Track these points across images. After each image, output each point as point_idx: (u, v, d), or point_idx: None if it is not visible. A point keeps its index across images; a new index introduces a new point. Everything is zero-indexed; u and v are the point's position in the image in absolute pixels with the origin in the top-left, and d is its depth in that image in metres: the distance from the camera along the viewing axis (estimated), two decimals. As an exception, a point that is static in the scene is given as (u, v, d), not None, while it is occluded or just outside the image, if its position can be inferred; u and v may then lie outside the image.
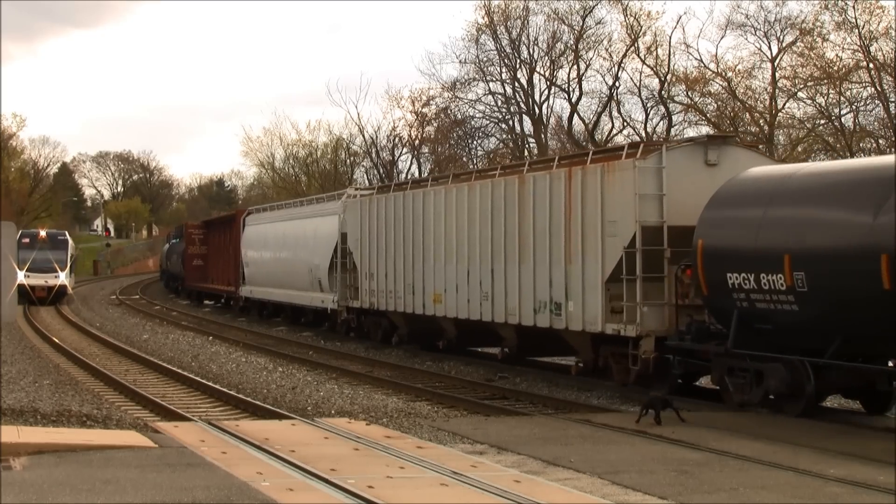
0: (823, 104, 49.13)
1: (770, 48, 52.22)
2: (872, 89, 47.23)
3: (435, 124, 65.83)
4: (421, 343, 30.02)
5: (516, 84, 62.07)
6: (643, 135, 55.87)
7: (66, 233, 62.49)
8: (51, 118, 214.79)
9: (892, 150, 42.79)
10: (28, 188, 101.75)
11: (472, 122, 63.68)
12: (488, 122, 63.65)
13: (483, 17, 61.14)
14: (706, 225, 18.36)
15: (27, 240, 54.61)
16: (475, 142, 64.42)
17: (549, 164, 24.16)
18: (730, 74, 52.97)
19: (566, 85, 60.23)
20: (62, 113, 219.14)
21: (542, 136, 61.89)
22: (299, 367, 27.36)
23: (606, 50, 58.38)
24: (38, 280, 53.72)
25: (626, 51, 56.99)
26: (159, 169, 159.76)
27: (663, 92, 55.52)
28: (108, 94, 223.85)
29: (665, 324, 19.78)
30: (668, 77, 55.28)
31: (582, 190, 21.33)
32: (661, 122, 56.88)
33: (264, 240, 44.79)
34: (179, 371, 25.60)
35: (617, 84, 58.07)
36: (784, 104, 51.29)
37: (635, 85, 57.54)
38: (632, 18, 56.19)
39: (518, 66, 61.19)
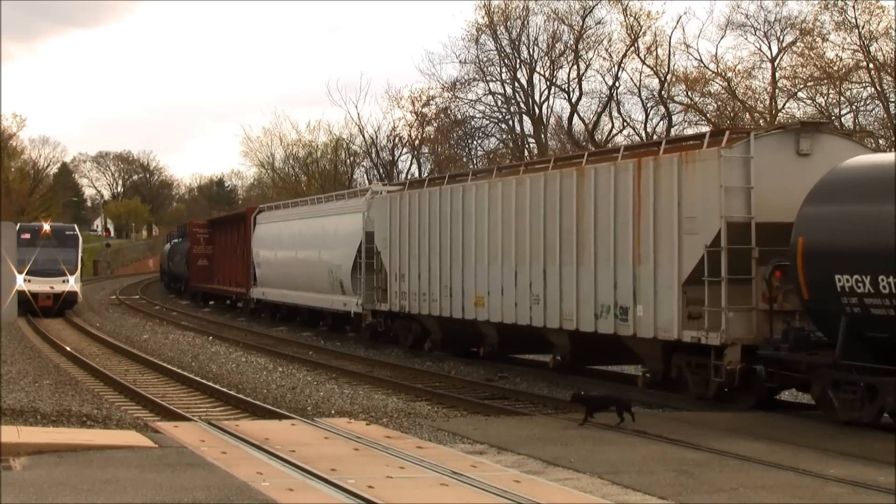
0: (823, 104, 49.11)
1: (770, 48, 52.34)
2: (872, 89, 47.24)
3: (435, 124, 65.88)
4: (455, 349, 28.40)
5: (516, 84, 62.13)
6: (643, 135, 55.95)
7: (76, 226, 50.92)
8: (51, 118, 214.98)
9: (893, 149, 42.76)
10: (28, 188, 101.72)
11: (472, 122, 63.76)
12: (488, 122, 63.74)
13: (483, 17, 61.28)
14: (808, 220, 16.41)
15: (27, 235, 44.86)
16: (475, 142, 64.53)
17: (609, 155, 22.41)
18: (730, 74, 53.03)
19: (566, 85, 60.32)
20: (62, 113, 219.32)
21: (542, 136, 61.90)
22: (299, 367, 27.35)
23: (606, 50, 58.51)
24: (42, 286, 44.63)
25: (626, 51, 57.10)
26: (159, 169, 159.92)
27: (663, 92, 55.55)
28: (108, 94, 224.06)
29: (753, 331, 17.87)
30: (668, 77, 55.36)
31: (654, 183, 19.49)
32: (661, 123, 56.99)
33: (278, 239, 42.67)
34: (179, 371, 25.60)
35: (617, 84, 58.19)
36: (784, 104, 51.31)
37: (635, 85, 57.68)
38: (632, 18, 56.31)
39: (518, 66, 61.26)
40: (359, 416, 18.46)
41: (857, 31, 47.04)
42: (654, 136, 53.23)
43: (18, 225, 42.92)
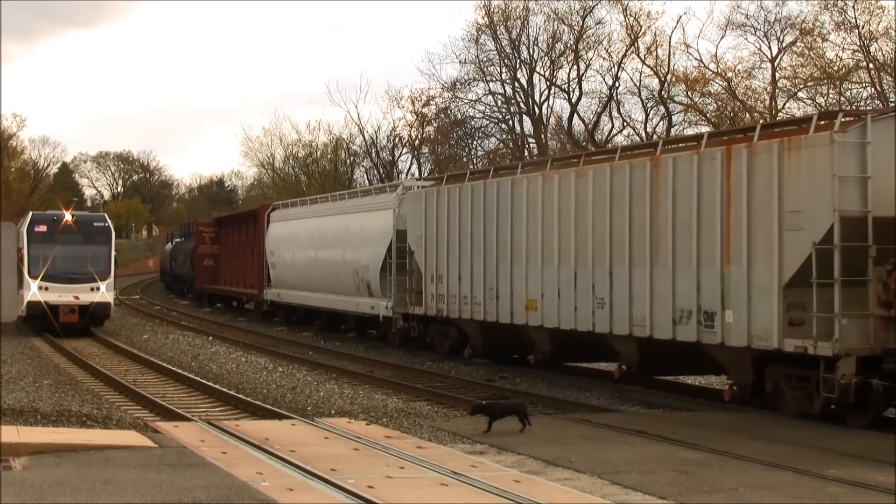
0: (823, 104, 49.12)
1: (770, 48, 52.39)
2: (872, 89, 47.27)
3: (435, 124, 65.90)
4: (498, 357, 26.69)
5: (516, 84, 62.16)
6: (643, 135, 55.97)
7: (106, 216, 39.13)
8: (51, 118, 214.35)
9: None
10: (28, 188, 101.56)
11: (472, 123, 63.79)
12: (488, 122, 63.77)
13: (483, 18, 61.31)
14: None
15: (43, 227, 35.21)
16: (475, 142, 64.56)
17: (691, 143, 20.41)
18: (730, 74, 53.10)
19: (566, 85, 60.36)
20: (62, 113, 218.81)
21: (542, 136, 61.92)
22: (299, 367, 27.36)
23: (606, 50, 58.55)
24: (64, 295, 34.69)
25: (626, 51, 57.15)
26: (159, 169, 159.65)
27: (663, 92, 55.59)
28: (108, 94, 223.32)
29: (869, 340, 15.81)
30: (668, 77, 55.40)
31: (748, 173, 17.41)
32: (661, 123, 57.02)
33: (295, 237, 40.47)
34: (179, 371, 25.61)
35: (617, 84, 58.24)
36: (784, 104, 51.33)
37: (635, 85, 57.71)
38: (631, 18, 56.37)
39: (518, 66, 61.28)
40: (359, 416, 18.47)
41: (857, 31, 47.12)
42: (654, 137, 53.28)
43: (31, 214, 37.90)
